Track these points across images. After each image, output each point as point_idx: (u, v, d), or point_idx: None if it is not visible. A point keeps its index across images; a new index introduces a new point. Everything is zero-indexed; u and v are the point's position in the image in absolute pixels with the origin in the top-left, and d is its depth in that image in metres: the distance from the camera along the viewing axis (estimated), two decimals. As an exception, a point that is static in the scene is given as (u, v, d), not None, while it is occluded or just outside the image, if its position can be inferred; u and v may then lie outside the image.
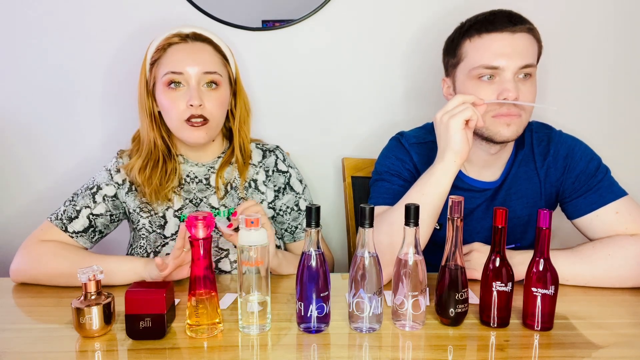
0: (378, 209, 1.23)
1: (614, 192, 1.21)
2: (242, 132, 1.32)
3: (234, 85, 1.31)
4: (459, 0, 1.61)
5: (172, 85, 1.20)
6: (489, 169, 1.30)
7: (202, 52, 1.23)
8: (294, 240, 1.37)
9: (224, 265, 1.26)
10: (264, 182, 1.33)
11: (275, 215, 1.36)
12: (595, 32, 1.65)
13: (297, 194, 1.36)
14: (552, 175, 1.28)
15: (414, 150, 1.31)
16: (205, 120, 1.21)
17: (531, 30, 1.18)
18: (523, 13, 1.20)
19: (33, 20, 1.59)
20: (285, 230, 1.36)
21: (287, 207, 1.35)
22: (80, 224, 1.23)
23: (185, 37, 1.23)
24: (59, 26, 1.59)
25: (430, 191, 1.12)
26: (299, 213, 1.35)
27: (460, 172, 1.28)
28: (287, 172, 1.36)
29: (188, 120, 1.20)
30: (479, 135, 1.21)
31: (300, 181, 1.38)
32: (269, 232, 1.09)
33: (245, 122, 1.33)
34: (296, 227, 1.36)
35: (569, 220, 1.30)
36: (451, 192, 1.22)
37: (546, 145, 1.29)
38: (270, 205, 1.34)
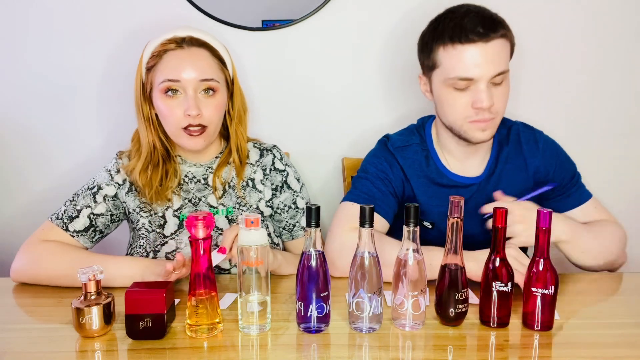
0: (351, 207, 1.26)
1: (587, 192, 1.37)
2: (239, 132, 1.32)
3: (231, 87, 1.31)
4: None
5: (169, 92, 1.19)
6: (471, 161, 1.33)
7: (198, 58, 1.21)
8: (292, 239, 1.37)
9: (224, 263, 1.27)
10: (261, 180, 1.34)
11: (273, 213, 1.36)
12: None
13: (294, 192, 1.36)
14: (542, 171, 1.34)
15: (399, 154, 1.33)
16: (203, 128, 1.21)
17: (504, 35, 1.18)
18: (497, 8, 1.21)
19: (31, 21, 1.59)
20: (283, 228, 1.37)
21: (285, 206, 1.35)
22: (81, 223, 1.24)
23: (181, 43, 1.21)
24: (57, 27, 1.59)
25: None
26: (297, 211, 1.36)
27: (443, 167, 1.33)
28: (284, 170, 1.36)
29: (186, 128, 1.20)
30: (456, 135, 1.25)
31: (298, 180, 1.38)
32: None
33: (241, 122, 1.33)
34: (294, 225, 1.36)
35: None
36: (435, 189, 1.31)
37: (534, 143, 1.35)
38: (268, 203, 1.34)
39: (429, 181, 1.32)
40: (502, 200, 1.19)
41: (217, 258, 1.07)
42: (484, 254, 1.08)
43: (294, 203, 1.36)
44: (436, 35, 1.20)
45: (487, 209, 1.15)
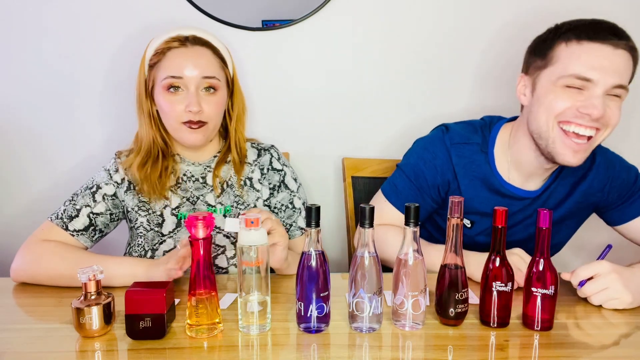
0: (381, 201, 1.30)
1: None
2: (238, 131, 1.34)
3: (232, 86, 1.32)
4: (461, 3, 1.61)
5: (172, 89, 1.21)
6: (534, 179, 1.27)
7: (201, 56, 1.23)
8: (289, 238, 1.37)
9: (221, 261, 1.27)
10: (259, 180, 1.35)
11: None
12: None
13: (291, 192, 1.37)
14: (595, 187, 1.27)
15: (454, 151, 1.26)
16: (203, 124, 1.23)
17: (632, 49, 1.10)
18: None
19: (33, 20, 1.59)
20: None
21: (282, 205, 1.36)
22: (80, 222, 1.24)
23: (184, 41, 1.23)
24: (59, 27, 1.59)
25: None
26: (294, 211, 1.36)
27: (499, 176, 1.26)
28: (281, 170, 1.37)
29: (186, 122, 1.22)
30: (540, 148, 1.16)
31: (295, 180, 1.39)
32: (282, 234, 1.11)
33: (240, 121, 1.35)
34: (291, 225, 1.36)
35: (611, 227, 1.34)
36: (485, 193, 1.27)
37: (591, 157, 1.24)
38: (266, 202, 1.35)
39: (481, 183, 1.26)
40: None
41: (230, 224, 1.04)
42: (482, 255, 1.08)
43: (291, 203, 1.36)
44: (560, 33, 1.12)
45: (579, 277, 1.04)
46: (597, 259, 1.07)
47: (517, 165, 1.24)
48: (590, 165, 1.26)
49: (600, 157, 1.27)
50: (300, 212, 1.36)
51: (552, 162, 1.17)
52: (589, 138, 1.11)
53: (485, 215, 1.28)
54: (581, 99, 1.08)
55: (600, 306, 1.06)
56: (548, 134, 1.13)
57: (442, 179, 1.27)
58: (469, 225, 1.29)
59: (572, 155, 1.12)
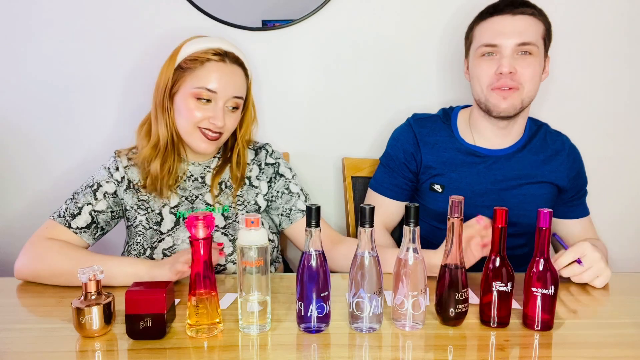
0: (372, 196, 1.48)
1: (587, 208, 1.48)
2: (244, 139, 1.37)
3: (245, 101, 1.34)
4: (460, 1, 1.61)
5: (202, 99, 1.24)
6: (499, 141, 1.40)
7: (236, 76, 1.28)
8: (291, 222, 1.37)
9: (219, 259, 1.27)
10: (257, 176, 1.37)
11: (269, 203, 1.37)
12: (599, 31, 1.65)
13: (286, 179, 1.39)
14: (563, 171, 1.40)
15: (416, 124, 1.45)
16: (219, 135, 1.27)
17: (533, 14, 1.28)
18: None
19: (33, 23, 1.59)
20: (281, 214, 1.38)
21: (278, 192, 1.37)
22: (83, 220, 1.24)
23: (223, 57, 1.26)
24: (58, 29, 1.59)
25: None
26: (291, 195, 1.37)
27: (463, 140, 1.41)
28: (275, 163, 1.40)
29: (203, 128, 1.25)
30: (483, 110, 1.34)
31: (290, 169, 1.41)
32: None
33: (248, 130, 1.37)
34: (290, 210, 1.37)
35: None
36: (455, 155, 1.40)
37: (561, 144, 1.42)
38: (265, 197, 1.36)
39: (444, 147, 1.41)
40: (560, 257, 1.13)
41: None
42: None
43: (287, 188, 1.38)
44: (476, 19, 1.35)
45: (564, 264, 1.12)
46: (564, 246, 1.19)
47: (478, 132, 1.41)
48: (561, 147, 1.42)
49: (571, 149, 1.43)
50: (298, 196, 1.37)
51: (493, 117, 1.33)
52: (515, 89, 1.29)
53: (452, 171, 1.39)
54: (495, 64, 1.28)
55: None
56: (484, 97, 1.32)
57: (406, 154, 1.43)
58: (440, 190, 1.39)
59: (502, 101, 1.29)
